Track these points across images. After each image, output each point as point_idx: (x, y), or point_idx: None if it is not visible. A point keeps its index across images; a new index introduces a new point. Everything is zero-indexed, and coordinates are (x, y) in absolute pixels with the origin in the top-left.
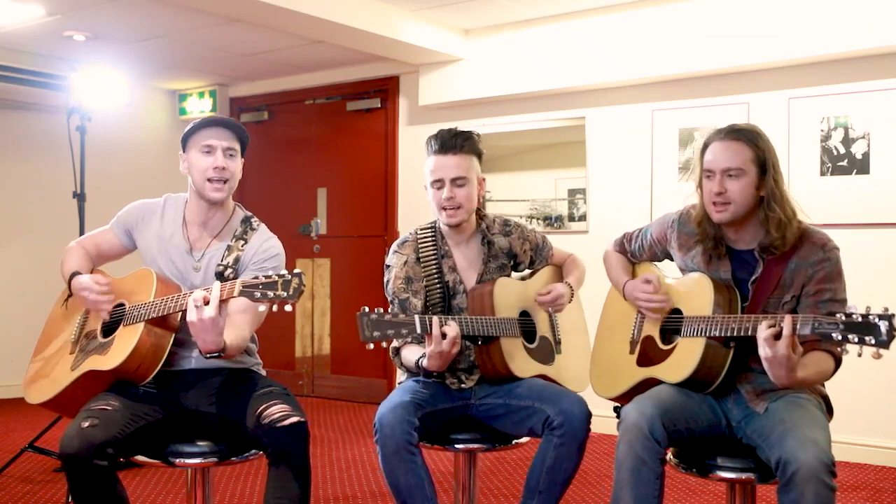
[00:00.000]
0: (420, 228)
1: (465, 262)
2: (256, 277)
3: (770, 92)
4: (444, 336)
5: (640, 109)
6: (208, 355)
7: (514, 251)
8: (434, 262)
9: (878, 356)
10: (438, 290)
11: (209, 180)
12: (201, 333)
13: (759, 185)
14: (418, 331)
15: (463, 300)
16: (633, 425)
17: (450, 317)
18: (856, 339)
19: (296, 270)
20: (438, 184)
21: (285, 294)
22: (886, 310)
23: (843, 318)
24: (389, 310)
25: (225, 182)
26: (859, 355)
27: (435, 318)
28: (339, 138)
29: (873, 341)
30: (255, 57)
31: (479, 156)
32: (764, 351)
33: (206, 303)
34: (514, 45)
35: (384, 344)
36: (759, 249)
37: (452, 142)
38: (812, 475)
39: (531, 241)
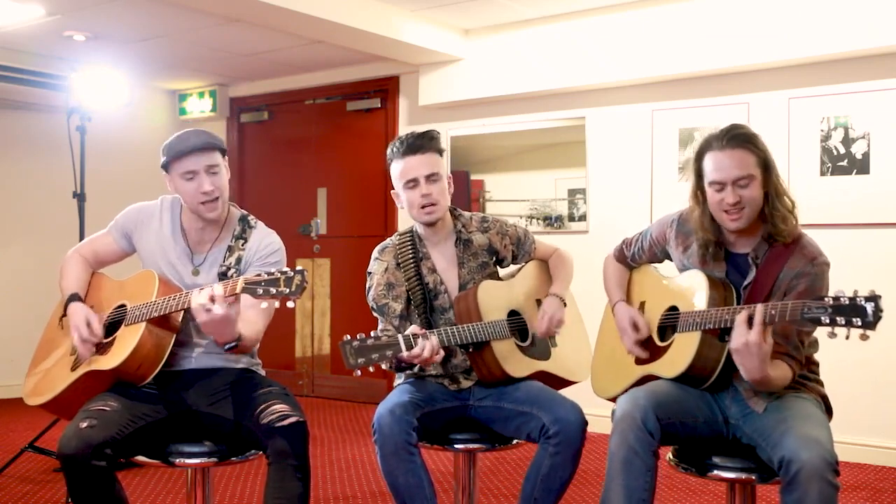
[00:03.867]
0: (399, 234)
1: (444, 263)
2: (259, 275)
3: (770, 92)
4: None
5: (640, 109)
6: (226, 347)
7: (494, 247)
8: (413, 265)
9: (865, 338)
10: (420, 293)
11: (201, 203)
12: (215, 331)
13: (765, 184)
14: (403, 350)
15: (445, 300)
16: (626, 415)
17: (431, 331)
18: (843, 322)
19: (298, 267)
20: (412, 184)
21: (288, 290)
22: (873, 292)
23: (832, 301)
24: (377, 327)
25: (216, 199)
26: (847, 338)
27: (411, 337)
28: (339, 138)
29: (860, 323)
30: (255, 57)
31: (442, 154)
32: (736, 341)
33: (213, 301)
34: (514, 45)
35: (371, 369)
36: (752, 255)
37: (419, 142)
38: (815, 474)
39: (511, 236)
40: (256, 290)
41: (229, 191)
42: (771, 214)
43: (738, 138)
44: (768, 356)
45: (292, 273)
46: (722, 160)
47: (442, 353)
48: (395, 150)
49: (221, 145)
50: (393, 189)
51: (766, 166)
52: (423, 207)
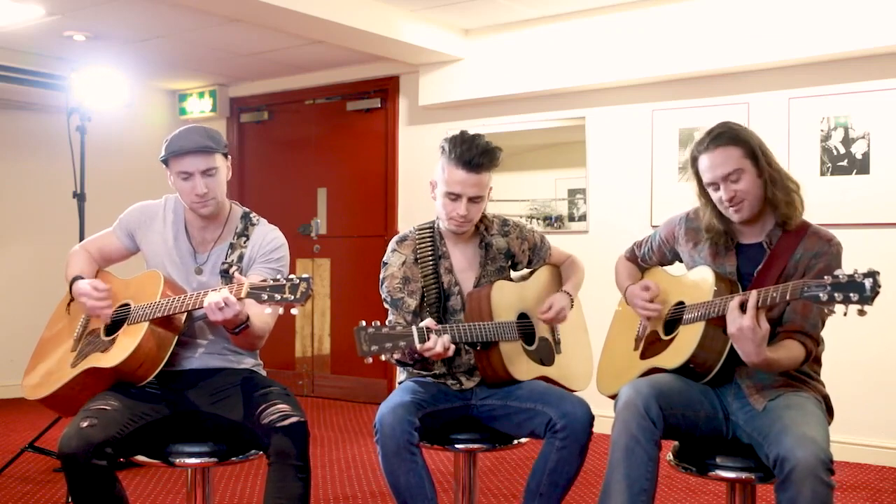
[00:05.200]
0: (419, 228)
1: (463, 264)
2: (265, 280)
3: (770, 92)
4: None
5: (640, 109)
6: (235, 330)
7: (511, 251)
8: (431, 262)
9: (863, 313)
10: (434, 291)
11: (194, 202)
12: (225, 322)
13: (759, 172)
14: (416, 342)
15: (458, 301)
16: (628, 403)
17: (443, 326)
18: (841, 298)
19: (304, 275)
20: (453, 196)
21: (292, 297)
22: (871, 269)
23: (830, 279)
24: (387, 320)
25: (211, 199)
26: (845, 314)
27: (432, 334)
28: (339, 138)
29: (857, 298)
30: (255, 57)
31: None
32: (730, 326)
33: (226, 303)
34: (514, 45)
35: (383, 357)
36: (766, 241)
37: (479, 160)
38: (809, 472)
39: (529, 241)
40: (261, 296)
41: (230, 190)
42: (773, 198)
43: (719, 137)
44: (765, 340)
45: (298, 280)
46: (709, 161)
47: (453, 348)
48: (451, 152)
49: (221, 148)
50: (433, 179)
51: (755, 155)
52: (452, 219)
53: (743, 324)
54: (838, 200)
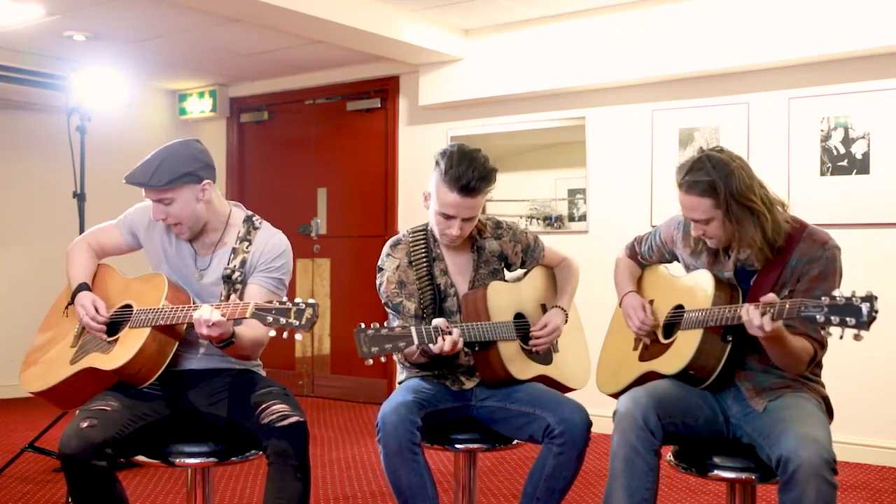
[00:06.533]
0: (412, 231)
1: (457, 266)
2: (270, 302)
3: (770, 92)
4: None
5: (640, 109)
6: (220, 345)
7: (504, 253)
8: (425, 265)
9: (859, 338)
10: (430, 293)
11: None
12: (212, 339)
13: (730, 219)
14: (415, 342)
15: (454, 303)
16: (627, 414)
17: (452, 325)
18: (837, 321)
19: (310, 301)
20: (446, 216)
21: (297, 323)
22: (869, 292)
23: (828, 300)
24: (386, 322)
25: (178, 225)
26: (841, 338)
27: (432, 330)
28: (339, 138)
29: (854, 322)
30: (255, 57)
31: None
32: (759, 331)
33: (215, 324)
34: (514, 45)
35: (383, 358)
36: None
37: (476, 185)
38: (813, 472)
39: (522, 243)
40: (266, 318)
41: (231, 191)
42: (743, 236)
43: (695, 186)
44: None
45: (304, 305)
46: (682, 199)
47: (461, 342)
48: (447, 172)
49: (164, 182)
50: (427, 191)
51: (728, 205)
52: (445, 236)
53: (765, 328)
54: (838, 200)
